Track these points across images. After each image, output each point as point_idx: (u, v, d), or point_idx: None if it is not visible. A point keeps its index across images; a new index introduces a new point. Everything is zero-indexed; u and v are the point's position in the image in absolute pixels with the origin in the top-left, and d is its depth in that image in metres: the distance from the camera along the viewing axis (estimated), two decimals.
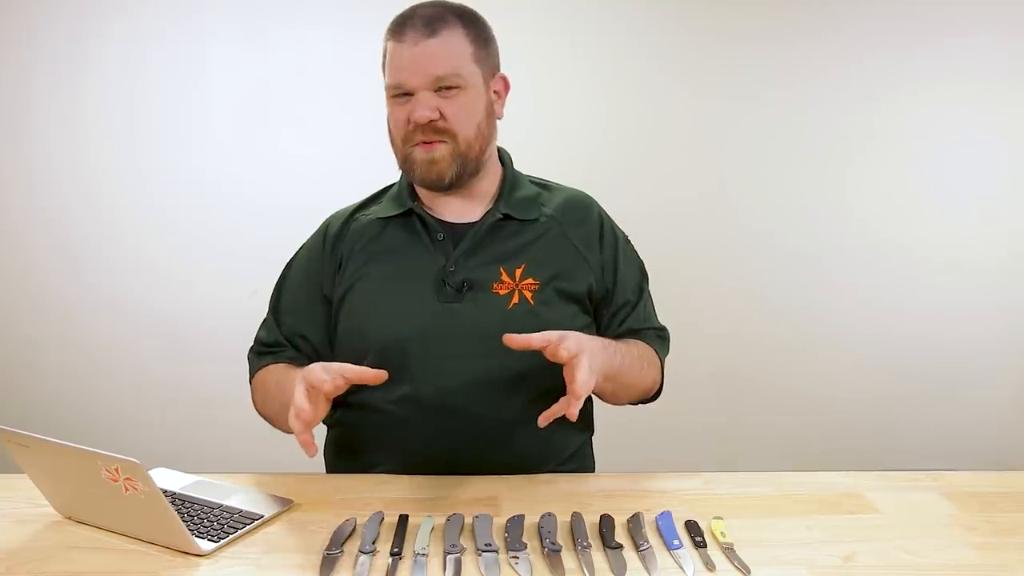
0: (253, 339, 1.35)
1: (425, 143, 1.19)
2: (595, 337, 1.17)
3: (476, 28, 1.22)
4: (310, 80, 2.40)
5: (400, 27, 1.18)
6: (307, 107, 2.41)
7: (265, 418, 1.30)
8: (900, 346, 2.53)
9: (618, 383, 1.21)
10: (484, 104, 1.22)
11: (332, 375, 1.04)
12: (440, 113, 1.17)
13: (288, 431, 1.07)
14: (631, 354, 1.23)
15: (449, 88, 1.18)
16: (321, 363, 1.07)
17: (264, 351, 1.32)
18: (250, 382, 1.33)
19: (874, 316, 2.51)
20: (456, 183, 1.23)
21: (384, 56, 1.22)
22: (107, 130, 2.42)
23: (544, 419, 1.06)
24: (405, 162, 1.23)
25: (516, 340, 1.07)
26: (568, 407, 1.03)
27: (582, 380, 1.02)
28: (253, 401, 1.31)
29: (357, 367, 1.07)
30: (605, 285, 1.30)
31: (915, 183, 2.46)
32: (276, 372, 1.26)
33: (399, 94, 1.19)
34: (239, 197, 2.45)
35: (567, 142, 2.40)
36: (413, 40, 1.16)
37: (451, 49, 1.18)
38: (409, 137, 1.20)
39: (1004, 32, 2.38)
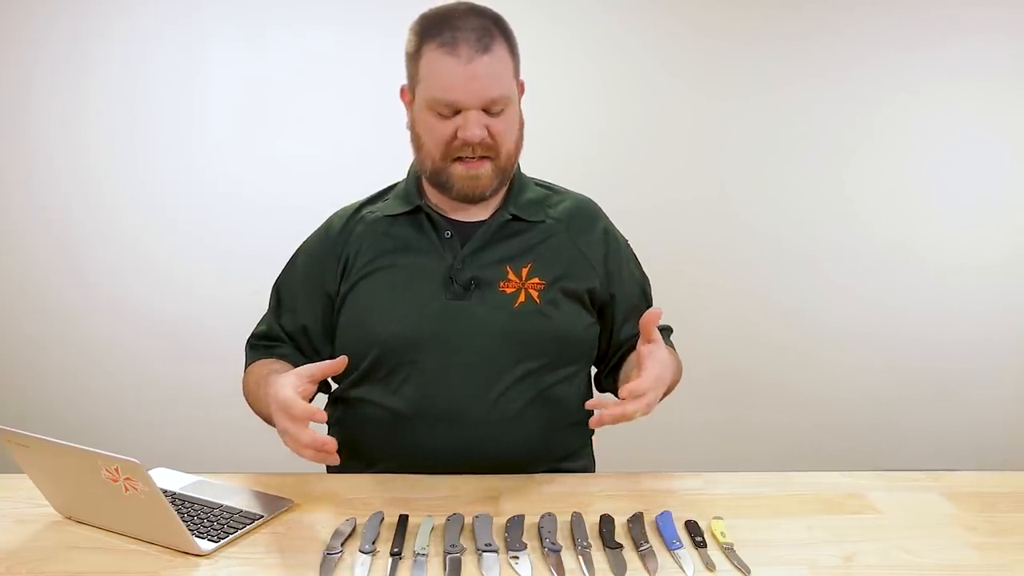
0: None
1: (470, 159, 1.17)
2: (672, 357, 1.16)
3: (511, 39, 1.19)
4: (309, 80, 2.40)
5: (448, 36, 1.13)
6: (306, 107, 2.41)
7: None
8: (901, 347, 2.53)
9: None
10: (519, 116, 1.22)
11: (301, 386, 1.05)
12: (487, 131, 1.16)
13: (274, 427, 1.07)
14: (673, 366, 1.23)
15: (496, 106, 1.16)
16: (286, 382, 1.05)
17: (258, 344, 1.33)
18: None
19: (875, 316, 2.51)
20: (492, 195, 1.23)
21: (417, 58, 1.16)
22: (107, 130, 2.42)
23: (596, 422, 1.04)
24: (440, 175, 1.20)
25: (650, 319, 1.07)
26: (625, 408, 1.01)
27: (648, 383, 1.03)
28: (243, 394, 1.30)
29: (317, 364, 1.08)
30: (610, 291, 1.30)
31: (916, 184, 2.46)
32: (259, 371, 1.26)
33: (445, 109, 1.15)
34: (239, 197, 2.45)
35: (568, 143, 2.40)
36: (467, 56, 1.12)
37: (501, 68, 1.15)
38: (451, 152, 1.17)
39: (1005, 32, 2.38)
